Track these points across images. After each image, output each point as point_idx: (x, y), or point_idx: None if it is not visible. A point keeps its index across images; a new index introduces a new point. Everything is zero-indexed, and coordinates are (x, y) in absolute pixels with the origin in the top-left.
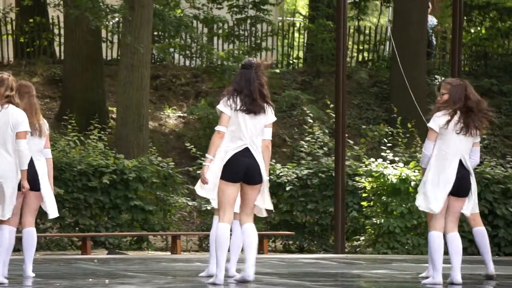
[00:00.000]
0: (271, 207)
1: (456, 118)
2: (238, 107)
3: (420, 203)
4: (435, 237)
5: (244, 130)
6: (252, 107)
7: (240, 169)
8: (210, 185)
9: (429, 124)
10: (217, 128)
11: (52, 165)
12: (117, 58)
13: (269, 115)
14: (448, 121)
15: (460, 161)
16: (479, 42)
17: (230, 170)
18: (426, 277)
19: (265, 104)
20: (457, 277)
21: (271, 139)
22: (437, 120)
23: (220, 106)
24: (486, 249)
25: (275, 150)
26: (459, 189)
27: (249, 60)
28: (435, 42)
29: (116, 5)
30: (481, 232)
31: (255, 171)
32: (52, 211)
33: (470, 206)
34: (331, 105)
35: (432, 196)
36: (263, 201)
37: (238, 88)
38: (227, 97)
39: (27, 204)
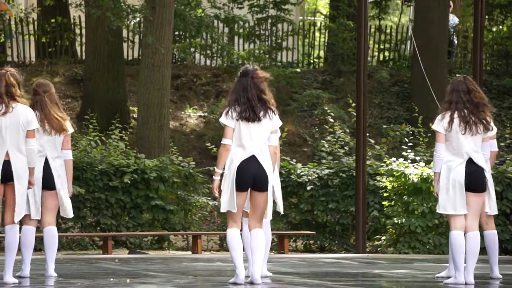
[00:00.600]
0: (280, 210)
1: (457, 117)
2: (239, 117)
3: (440, 208)
4: (456, 237)
5: (249, 139)
6: (252, 115)
7: (248, 177)
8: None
9: (434, 127)
10: (223, 141)
11: (72, 167)
12: (138, 58)
13: (274, 121)
14: (450, 122)
15: (470, 159)
16: (500, 41)
17: (238, 180)
18: (447, 277)
19: (268, 110)
20: (469, 277)
21: (277, 145)
22: (440, 122)
23: (222, 119)
24: (494, 253)
25: (295, 150)
26: (471, 184)
27: (246, 67)
28: (456, 41)
29: (137, 5)
30: (492, 236)
31: (263, 177)
32: (66, 212)
33: (489, 204)
34: (353, 104)
35: (450, 199)
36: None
37: (237, 97)
38: (228, 108)
39: (44, 203)
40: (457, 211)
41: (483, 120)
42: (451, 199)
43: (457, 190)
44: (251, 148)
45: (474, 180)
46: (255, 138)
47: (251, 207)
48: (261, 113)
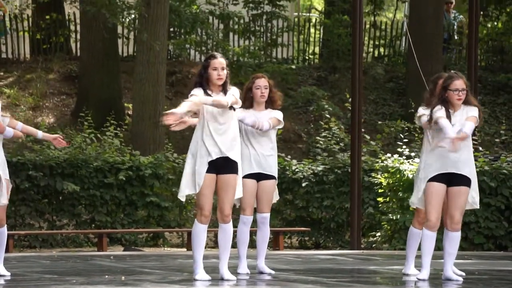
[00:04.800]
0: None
1: None
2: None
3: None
4: None
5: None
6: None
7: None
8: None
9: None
10: None
11: None
12: (133, 54)
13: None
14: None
15: None
16: (495, 36)
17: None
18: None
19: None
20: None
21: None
22: None
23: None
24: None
25: (290, 146)
26: None
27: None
28: (457, 37)
29: (132, 2)
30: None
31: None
32: None
33: None
34: (350, 99)
35: None
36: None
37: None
38: None
39: None
40: None
41: None
42: None
43: None
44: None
45: None
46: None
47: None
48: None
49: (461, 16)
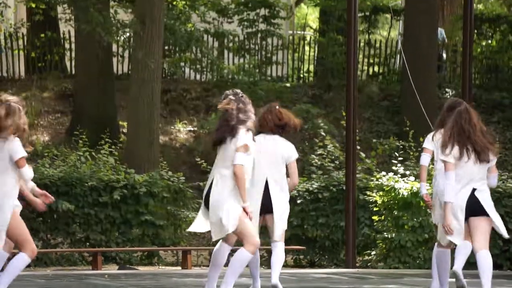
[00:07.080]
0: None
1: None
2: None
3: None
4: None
5: (216, 162)
6: (216, 136)
7: (206, 202)
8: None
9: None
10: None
11: None
12: (128, 72)
13: (239, 138)
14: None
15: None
16: (489, 55)
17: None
18: None
19: (232, 128)
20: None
21: (238, 163)
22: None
23: None
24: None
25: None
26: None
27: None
28: (445, 55)
29: (127, 20)
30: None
31: (212, 202)
32: None
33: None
34: (345, 117)
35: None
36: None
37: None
38: None
39: None
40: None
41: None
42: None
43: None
44: (212, 172)
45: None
46: (217, 161)
47: None
48: (225, 134)
49: (444, 34)
